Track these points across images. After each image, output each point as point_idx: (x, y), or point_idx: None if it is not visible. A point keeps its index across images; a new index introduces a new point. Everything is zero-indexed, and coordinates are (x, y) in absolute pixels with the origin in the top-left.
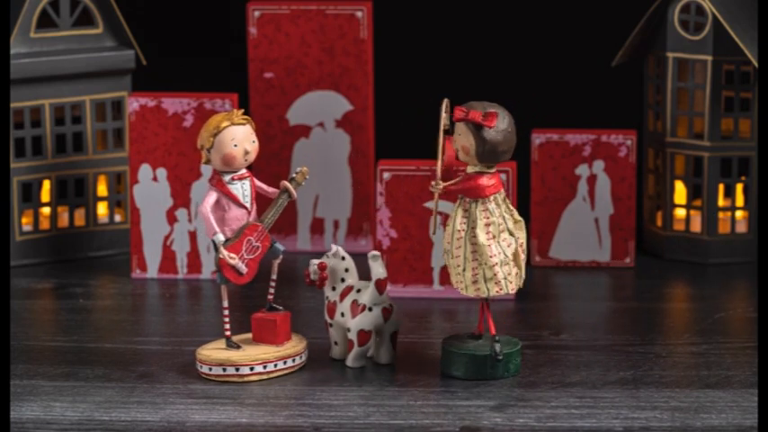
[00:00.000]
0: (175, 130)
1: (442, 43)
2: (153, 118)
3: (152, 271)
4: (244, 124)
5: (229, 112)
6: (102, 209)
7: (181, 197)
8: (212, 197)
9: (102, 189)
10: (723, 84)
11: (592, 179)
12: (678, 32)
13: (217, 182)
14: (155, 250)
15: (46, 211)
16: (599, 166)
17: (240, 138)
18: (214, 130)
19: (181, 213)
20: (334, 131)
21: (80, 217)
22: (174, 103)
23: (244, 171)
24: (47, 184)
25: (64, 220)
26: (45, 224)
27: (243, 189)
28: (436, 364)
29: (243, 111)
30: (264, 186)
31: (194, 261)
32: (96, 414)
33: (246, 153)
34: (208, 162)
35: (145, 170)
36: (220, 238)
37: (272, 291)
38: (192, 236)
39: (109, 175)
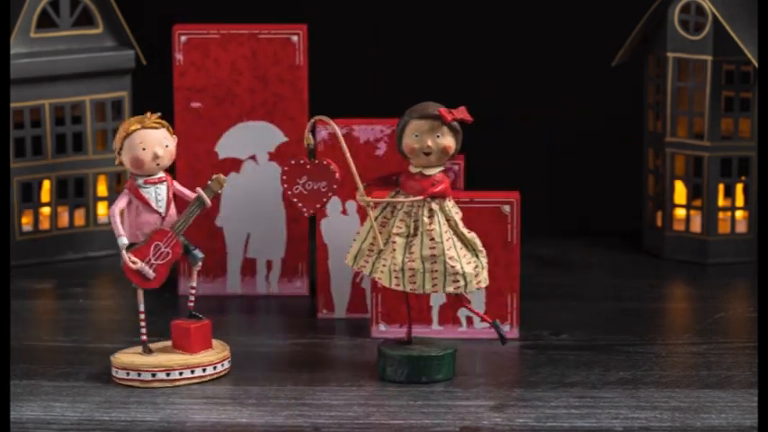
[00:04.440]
0: None
1: (441, 46)
2: None
3: None
4: (156, 128)
5: (143, 116)
6: (102, 209)
7: None
8: (122, 200)
9: (102, 189)
10: (723, 84)
11: None
12: (678, 32)
13: (130, 185)
14: None
15: (46, 211)
16: None
17: (149, 141)
18: (124, 133)
19: None
20: (267, 165)
21: (80, 217)
22: None
23: (161, 175)
24: (47, 184)
25: (64, 220)
26: (45, 224)
27: (156, 193)
28: None
29: (159, 114)
30: (185, 191)
31: None
32: (96, 414)
33: (156, 157)
34: (121, 164)
35: None
36: (123, 241)
37: (191, 299)
38: None
39: (109, 175)
